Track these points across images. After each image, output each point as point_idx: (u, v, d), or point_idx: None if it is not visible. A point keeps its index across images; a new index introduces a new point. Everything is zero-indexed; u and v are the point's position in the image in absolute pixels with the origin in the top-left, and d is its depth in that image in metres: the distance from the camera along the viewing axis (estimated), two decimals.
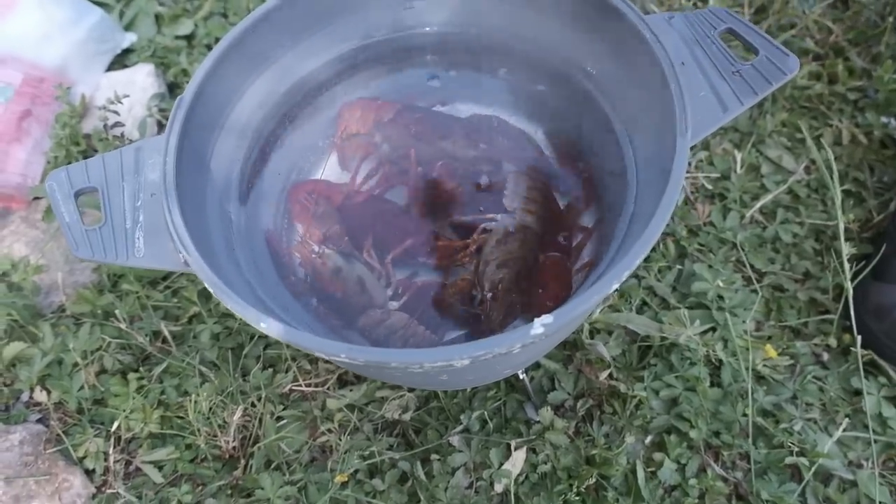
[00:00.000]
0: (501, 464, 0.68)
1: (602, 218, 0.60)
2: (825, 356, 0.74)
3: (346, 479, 0.66)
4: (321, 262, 0.58)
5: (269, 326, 0.41)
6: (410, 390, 0.70)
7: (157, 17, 1.01)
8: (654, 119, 0.51)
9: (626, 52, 0.53)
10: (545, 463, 0.68)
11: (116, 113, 0.77)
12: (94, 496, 0.65)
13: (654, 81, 0.49)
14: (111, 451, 0.66)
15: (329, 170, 0.66)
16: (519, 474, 0.67)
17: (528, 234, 0.58)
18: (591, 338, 0.73)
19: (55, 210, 0.49)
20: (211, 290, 0.44)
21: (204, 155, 0.55)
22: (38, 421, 0.69)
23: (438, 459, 0.68)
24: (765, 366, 0.72)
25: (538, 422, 0.69)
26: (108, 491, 0.66)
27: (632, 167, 0.55)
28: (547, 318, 0.39)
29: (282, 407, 0.71)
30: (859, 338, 0.69)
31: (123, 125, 0.79)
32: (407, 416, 0.70)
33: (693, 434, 0.68)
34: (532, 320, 0.39)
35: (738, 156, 0.86)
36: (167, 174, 0.48)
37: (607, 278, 0.40)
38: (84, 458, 0.66)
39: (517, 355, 0.45)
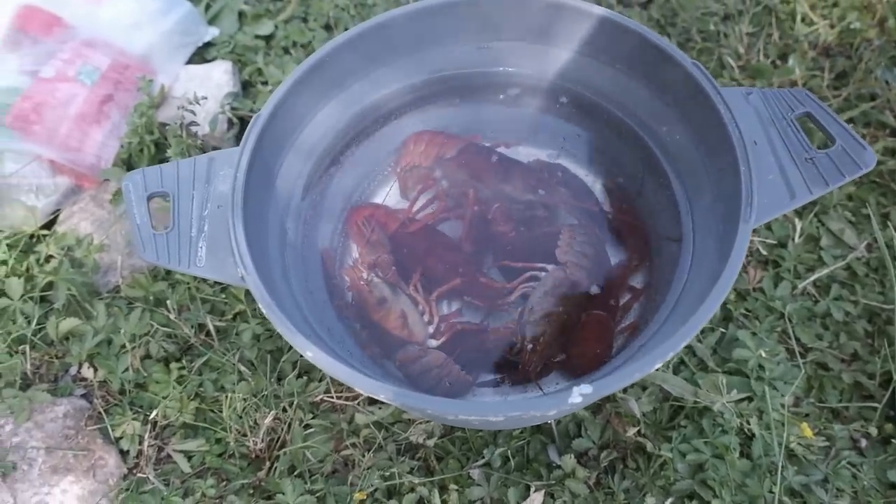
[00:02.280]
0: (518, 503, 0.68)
1: (651, 282, 0.60)
2: (863, 443, 0.73)
3: (365, 497, 0.67)
4: (368, 289, 0.60)
5: (314, 356, 0.43)
6: None
7: (241, 15, 1.04)
8: (717, 195, 0.51)
9: (699, 125, 0.53)
10: None
11: (193, 112, 0.80)
12: (125, 477, 0.68)
13: (725, 160, 0.49)
14: (147, 435, 0.69)
15: (389, 197, 0.68)
16: None
17: (577, 289, 0.58)
18: (624, 392, 0.72)
19: (128, 210, 0.51)
20: (263, 311, 0.45)
21: (272, 171, 0.57)
22: (83, 396, 0.72)
23: (457, 490, 0.69)
24: (799, 444, 0.71)
25: (559, 467, 0.69)
26: (139, 474, 0.68)
27: (689, 237, 0.54)
28: (586, 388, 0.39)
29: (311, 416, 0.72)
30: None
31: (198, 125, 0.81)
32: (431, 442, 0.70)
33: (716, 503, 0.67)
34: (568, 376, 0.39)
35: (799, 224, 0.84)
36: (236, 189, 0.50)
37: (650, 358, 0.40)
38: (120, 438, 0.69)
39: (550, 415, 0.45)
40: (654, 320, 0.53)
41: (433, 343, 0.60)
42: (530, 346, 0.56)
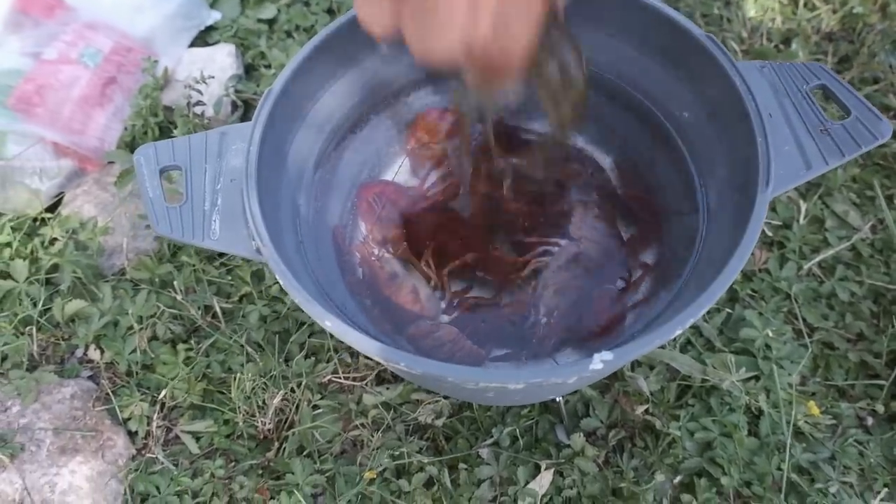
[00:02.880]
0: (528, 482, 0.68)
1: (663, 257, 0.60)
2: (870, 421, 0.73)
3: (375, 476, 0.67)
4: (379, 265, 0.59)
5: (333, 325, 0.42)
6: (445, 397, 0.71)
7: (242, 0, 1.03)
8: (733, 167, 0.51)
9: (713, 98, 0.53)
10: (571, 488, 0.68)
11: (200, 92, 0.80)
12: (133, 457, 0.68)
13: (740, 132, 0.49)
14: (155, 416, 0.69)
15: (400, 174, 0.67)
16: (544, 495, 0.68)
17: (590, 265, 0.58)
18: (633, 370, 0.72)
19: (140, 184, 0.51)
20: (280, 282, 0.45)
21: (283, 146, 0.56)
22: (90, 378, 0.72)
23: (466, 469, 0.69)
24: (806, 422, 0.71)
25: (568, 446, 0.69)
26: (148, 455, 0.68)
27: (702, 211, 0.54)
28: (607, 355, 0.39)
29: (319, 396, 0.72)
30: None
31: (205, 104, 0.81)
32: (439, 422, 0.70)
33: (724, 481, 0.68)
34: (581, 350, 0.39)
35: (804, 206, 0.85)
36: (249, 163, 0.50)
37: (670, 325, 0.40)
38: (129, 419, 0.69)
39: (569, 385, 0.45)
40: (667, 294, 0.53)
41: (445, 318, 0.60)
42: (544, 319, 0.56)
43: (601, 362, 0.39)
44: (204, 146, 0.53)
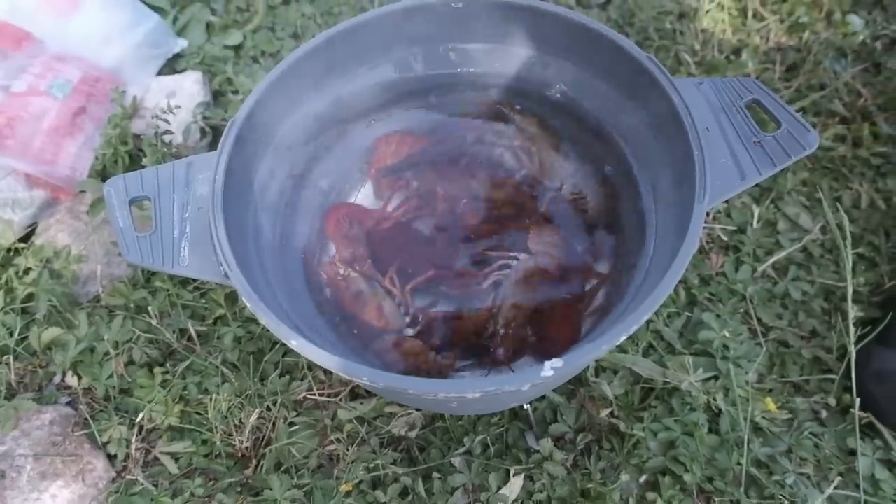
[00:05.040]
0: (499, 488, 0.70)
1: (616, 267, 0.63)
2: (823, 414, 0.76)
3: (351, 488, 0.69)
4: (345, 284, 0.62)
5: (298, 344, 0.45)
6: (417, 409, 0.73)
7: (209, 26, 1.06)
8: (675, 179, 0.54)
9: (656, 114, 0.56)
10: (541, 492, 0.70)
11: (167, 122, 0.81)
12: (113, 480, 0.69)
13: (680, 146, 0.52)
14: (133, 439, 0.70)
15: (364, 197, 0.70)
16: (515, 500, 0.70)
17: (546, 277, 0.61)
18: (597, 376, 0.75)
19: (110, 214, 0.53)
20: (248, 305, 0.47)
21: (249, 173, 0.58)
22: (68, 404, 0.73)
23: (439, 478, 0.71)
24: (763, 418, 0.74)
25: (538, 451, 0.72)
26: (128, 477, 0.69)
27: (651, 222, 0.58)
28: (557, 363, 0.42)
29: (295, 413, 0.74)
30: (858, 400, 0.71)
31: (173, 133, 0.83)
32: (412, 434, 0.73)
33: (687, 478, 0.70)
34: (540, 358, 0.42)
35: (756, 210, 0.88)
36: (216, 191, 0.52)
37: (615, 331, 0.42)
38: (108, 443, 0.70)
39: (525, 392, 0.48)
40: (621, 302, 0.56)
41: (410, 332, 0.62)
42: (503, 330, 0.58)
43: (552, 369, 0.42)
44: (172, 176, 0.55)
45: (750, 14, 1.09)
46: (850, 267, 0.72)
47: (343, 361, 0.43)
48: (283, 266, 0.59)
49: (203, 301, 0.80)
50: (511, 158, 0.69)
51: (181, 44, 1.02)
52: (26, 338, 0.75)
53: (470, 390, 0.42)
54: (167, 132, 0.81)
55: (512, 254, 0.63)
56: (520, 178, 0.68)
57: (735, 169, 0.52)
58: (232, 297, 0.80)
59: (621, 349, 0.77)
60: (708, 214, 0.89)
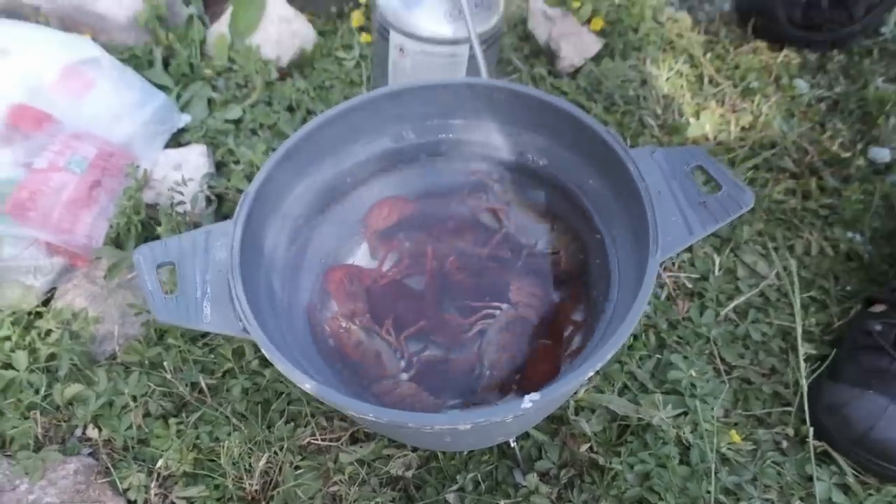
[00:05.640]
0: None
1: (588, 313, 0.71)
2: (784, 444, 0.83)
3: None
4: (347, 335, 0.69)
5: (311, 387, 0.52)
6: (413, 450, 0.80)
7: (210, 102, 1.14)
8: (633, 236, 0.62)
9: (616, 180, 0.65)
10: None
11: (181, 193, 0.89)
12: None
13: (636, 207, 0.60)
14: (152, 485, 0.76)
15: (360, 257, 0.78)
16: None
17: (527, 324, 0.69)
18: (576, 415, 0.82)
19: (140, 279, 0.60)
20: (266, 354, 0.54)
21: (259, 239, 0.66)
22: (90, 454, 0.79)
23: None
24: (729, 449, 0.81)
25: (525, 486, 0.78)
26: None
27: (615, 273, 0.66)
28: (535, 396, 0.49)
29: (300, 457, 0.80)
30: (812, 430, 0.79)
31: (185, 203, 0.91)
32: (409, 474, 0.79)
33: None
34: (522, 395, 0.49)
35: (717, 259, 0.97)
36: (233, 256, 0.60)
37: (582, 368, 0.50)
38: (128, 489, 0.75)
39: (510, 424, 0.55)
40: (592, 343, 0.64)
41: (405, 376, 0.69)
42: (488, 372, 0.66)
43: (530, 402, 0.49)
44: (193, 244, 0.63)
45: (706, 80, 1.20)
46: (799, 308, 0.81)
47: (351, 400, 0.50)
48: (291, 320, 0.66)
49: (212, 356, 0.86)
50: (492, 220, 0.77)
51: (185, 119, 1.11)
52: (50, 394, 0.80)
53: (461, 422, 0.49)
54: (181, 203, 0.89)
55: (495, 304, 0.71)
56: (500, 237, 0.76)
57: (684, 226, 0.60)
58: (239, 352, 0.86)
59: (598, 389, 0.84)
60: (674, 265, 0.98)
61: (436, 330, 0.70)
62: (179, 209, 0.90)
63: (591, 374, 0.51)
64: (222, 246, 0.62)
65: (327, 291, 0.72)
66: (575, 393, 0.82)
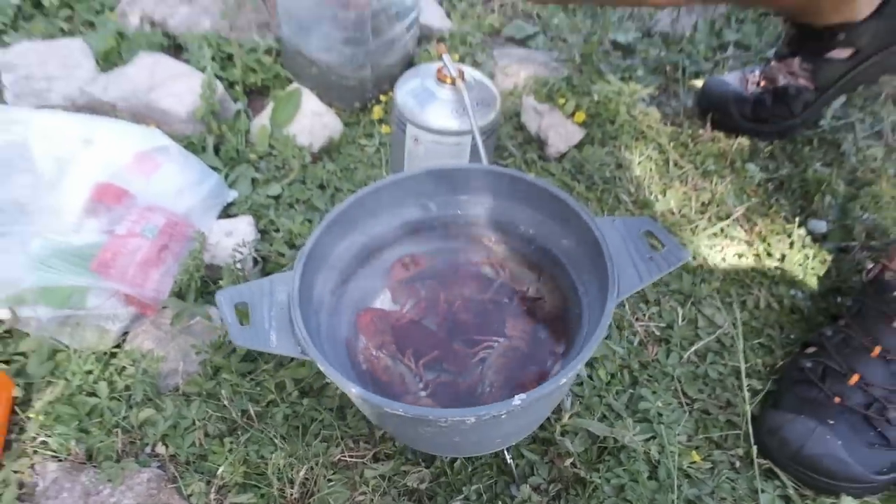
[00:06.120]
0: None
1: (567, 346, 0.89)
2: (737, 463, 1.00)
3: None
4: (377, 361, 0.87)
5: (356, 391, 0.70)
6: (427, 466, 0.96)
7: (254, 181, 1.35)
8: (598, 284, 0.81)
9: (586, 242, 0.84)
10: None
11: (241, 253, 1.09)
12: None
13: (600, 263, 0.80)
14: (210, 492, 0.92)
15: (384, 301, 0.97)
16: None
17: (519, 354, 0.87)
18: (562, 436, 0.99)
19: (222, 314, 0.79)
20: (321, 368, 0.72)
21: (311, 286, 0.85)
22: (158, 467, 0.95)
23: None
24: (690, 467, 0.98)
25: (519, 497, 0.94)
26: None
27: (585, 314, 0.84)
28: (522, 396, 0.67)
29: (332, 472, 0.96)
30: (755, 448, 0.95)
31: (246, 261, 1.10)
32: (423, 486, 0.95)
33: None
34: None
35: (681, 311, 1.15)
36: (293, 299, 0.78)
37: (555, 378, 0.68)
38: (191, 495, 0.91)
39: (505, 424, 0.72)
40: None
41: (423, 394, 0.86)
42: (488, 389, 0.83)
43: (519, 400, 0.67)
44: (260, 289, 0.82)
45: (672, 164, 1.41)
46: (743, 351, 0.99)
47: (385, 399, 0.68)
48: (334, 348, 0.84)
49: (258, 388, 1.03)
50: (491, 272, 0.97)
51: (233, 195, 1.31)
52: (127, 417, 0.98)
53: (469, 415, 0.66)
54: (240, 261, 1.09)
55: (494, 338, 0.89)
56: (497, 285, 0.95)
57: (636, 275, 0.79)
58: (280, 386, 1.04)
59: (581, 416, 1.01)
60: (644, 315, 1.16)
61: (447, 358, 0.88)
62: (238, 266, 1.09)
63: (563, 381, 0.69)
64: (283, 290, 0.81)
65: (359, 328, 0.91)
66: (560, 418, 0.99)
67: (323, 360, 0.72)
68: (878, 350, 0.97)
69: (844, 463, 0.91)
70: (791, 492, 0.96)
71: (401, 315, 0.94)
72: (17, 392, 0.99)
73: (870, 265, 1.08)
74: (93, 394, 1.00)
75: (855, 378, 0.97)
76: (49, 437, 0.95)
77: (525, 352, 0.88)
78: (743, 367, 1.00)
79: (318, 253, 0.86)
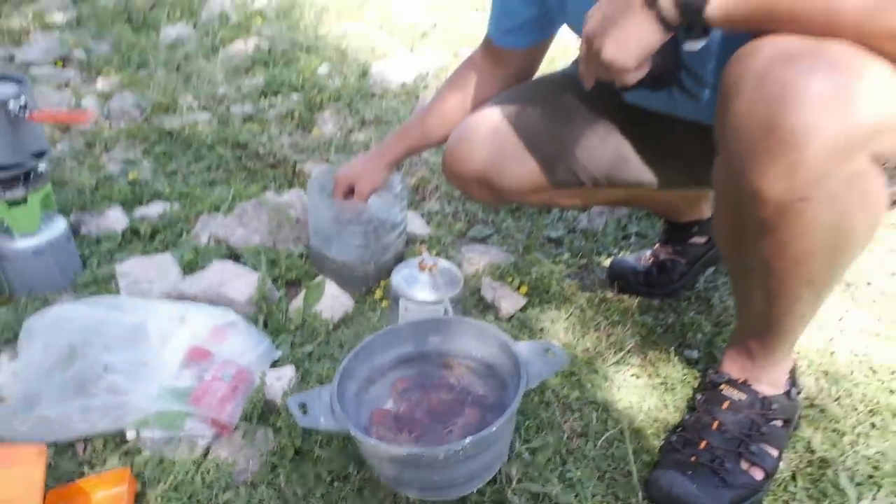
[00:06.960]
0: None
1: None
2: None
3: None
4: (384, 433, 1.37)
5: (374, 441, 1.20)
6: None
7: (292, 344, 1.90)
8: (518, 381, 1.35)
9: (509, 357, 1.39)
10: None
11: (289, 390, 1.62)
12: None
13: (518, 367, 1.33)
14: None
15: (389, 404, 1.49)
16: None
17: (473, 427, 1.37)
18: (513, 494, 1.45)
19: (292, 410, 1.30)
20: (352, 433, 1.23)
21: (343, 392, 1.37)
22: None
23: None
24: None
25: None
26: None
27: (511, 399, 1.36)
28: (470, 438, 1.18)
29: None
30: (641, 493, 1.42)
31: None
32: None
33: None
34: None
35: (595, 415, 1.66)
36: (333, 400, 1.31)
37: (485, 431, 1.20)
38: None
39: (470, 458, 1.22)
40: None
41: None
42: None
43: (469, 440, 1.17)
44: (312, 394, 1.34)
45: (588, 318, 1.98)
46: (629, 439, 1.48)
47: (392, 446, 1.19)
48: (357, 426, 1.34)
49: (302, 478, 1.50)
50: (455, 380, 1.50)
51: (278, 353, 1.85)
52: (213, 497, 1.44)
53: (441, 452, 1.17)
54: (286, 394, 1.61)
55: (457, 419, 1.40)
56: (458, 389, 1.48)
57: (538, 372, 1.33)
58: (317, 475, 1.51)
59: (527, 479, 1.48)
60: (570, 418, 1.66)
61: (427, 434, 1.38)
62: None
63: (494, 428, 1.20)
64: (326, 394, 1.34)
65: (373, 420, 1.42)
66: (510, 483, 1.46)
67: (353, 429, 1.24)
68: (716, 424, 1.47)
69: (698, 497, 1.38)
70: None
71: (398, 411, 1.45)
72: (138, 487, 1.47)
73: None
74: (191, 484, 1.47)
75: (703, 444, 1.46)
76: None
77: (477, 426, 1.38)
78: (630, 449, 1.49)
79: (347, 374, 1.40)
